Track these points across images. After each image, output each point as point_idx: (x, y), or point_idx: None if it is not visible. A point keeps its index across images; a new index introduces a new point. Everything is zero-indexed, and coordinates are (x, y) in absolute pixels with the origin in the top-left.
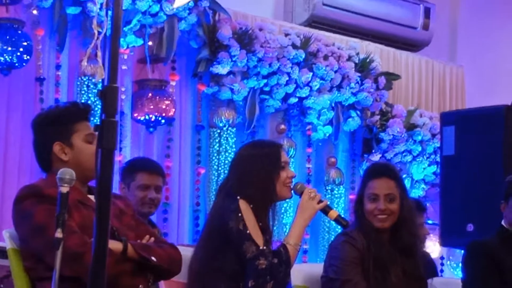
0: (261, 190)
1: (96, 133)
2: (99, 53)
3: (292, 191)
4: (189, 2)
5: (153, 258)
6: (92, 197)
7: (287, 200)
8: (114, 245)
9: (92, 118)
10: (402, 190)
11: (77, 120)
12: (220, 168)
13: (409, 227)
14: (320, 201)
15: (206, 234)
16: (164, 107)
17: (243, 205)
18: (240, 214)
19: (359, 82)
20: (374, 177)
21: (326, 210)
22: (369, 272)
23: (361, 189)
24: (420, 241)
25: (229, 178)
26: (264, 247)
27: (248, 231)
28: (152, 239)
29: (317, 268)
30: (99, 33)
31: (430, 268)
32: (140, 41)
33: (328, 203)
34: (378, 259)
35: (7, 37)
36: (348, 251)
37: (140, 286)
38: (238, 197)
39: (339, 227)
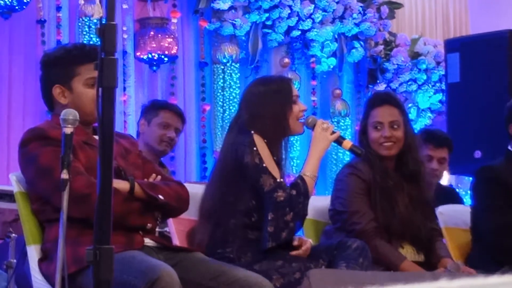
0: (274, 124)
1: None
2: None
3: (304, 126)
4: None
5: (160, 196)
6: (97, 137)
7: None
8: (121, 184)
9: None
10: (405, 117)
11: (80, 63)
12: (225, 104)
13: (413, 154)
14: (332, 132)
15: (218, 171)
16: (166, 45)
17: (257, 139)
18: (255, 148)
19: (362, 12)
20: (377, 106)
21: (339, 141)
22: (376, 202)
23: (364, 119)
24: (424, 167)
25: (241, 115)
26: (281, 180)
27: (264, 165)
28: (159, 177)
29: (325, 201)
30: None
31: (454, 197)
32: None
33: (341, 133)
34: (384, 188)
35: None
36: (354, 182)
37: (149, 224)
38: (252, 132)
39: (346, 159)
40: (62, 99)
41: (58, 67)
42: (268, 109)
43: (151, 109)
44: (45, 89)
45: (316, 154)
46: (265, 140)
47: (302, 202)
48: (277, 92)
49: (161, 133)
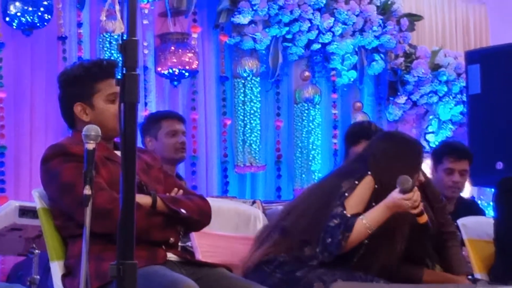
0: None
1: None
2: (118, 7)
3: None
4: None
5: (182, 210)
6: (118, 152)
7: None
8: (144, 199)
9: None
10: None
11: (99, 79)
12: (246, 119)
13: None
14: (420, 214)
15: (315, 189)
16: (187, 60)
17: (367, 179)
18: (356, 182)
19: (382, 25)
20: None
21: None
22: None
23: None
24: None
25: (374, 152)
26: (349, 215)
27: (346, 194)
28: (181, 191)
29: None
30: None
31: (476, 209)
32: None
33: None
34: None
35: None
36: None
37: (171, 238)
38: (369, 172)
39: None
40: (84, 116)
41: (78, 85)
42: (400, 165)
43: (151, 124)
44: (65, 107)
45: (386, 211)
46: (376, 186)
47: (339, 234)
48: (416, 156)
49: (173, 141)
